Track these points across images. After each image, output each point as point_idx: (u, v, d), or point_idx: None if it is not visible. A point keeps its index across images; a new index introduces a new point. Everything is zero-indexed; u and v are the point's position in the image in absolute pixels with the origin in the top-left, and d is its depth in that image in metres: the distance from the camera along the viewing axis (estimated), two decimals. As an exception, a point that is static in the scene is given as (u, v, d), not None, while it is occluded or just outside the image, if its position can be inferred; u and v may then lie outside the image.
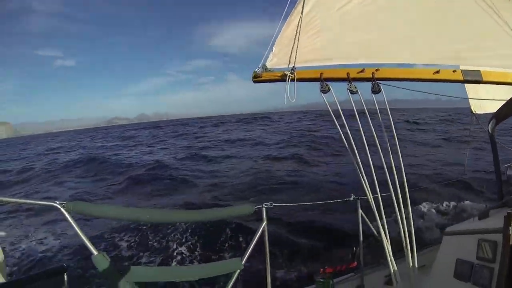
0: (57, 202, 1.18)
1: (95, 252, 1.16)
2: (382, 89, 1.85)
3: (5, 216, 7.03)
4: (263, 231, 1.49)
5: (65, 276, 1.21)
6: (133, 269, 1.25)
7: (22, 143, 55.86)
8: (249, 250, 1.45)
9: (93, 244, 1.19)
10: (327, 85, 1.76)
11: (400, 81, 1.98)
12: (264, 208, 1.49)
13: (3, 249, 1.44)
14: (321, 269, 1.95)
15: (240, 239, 4.78)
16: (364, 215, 2.02)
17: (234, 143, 19.36)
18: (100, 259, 1.15)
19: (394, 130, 1.86)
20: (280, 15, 1.81)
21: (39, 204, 1.28)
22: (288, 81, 1.68)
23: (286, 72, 1.70)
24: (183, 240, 4.93)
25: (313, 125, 28.41)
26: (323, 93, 1.76)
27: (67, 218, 1.18)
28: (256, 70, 1.71)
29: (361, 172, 1.81)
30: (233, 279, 1.42)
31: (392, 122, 1.90)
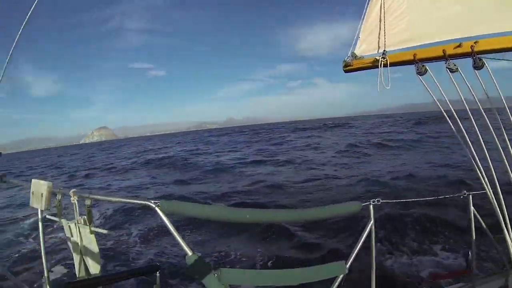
0: (152, 201, 1.19)
1: (189, 252, 1.15)
2: (486, 64, 1.59)
3: (101, 211, 7.76)
4: (370, 231, 1.34)
5: (158, 274, 1.22)
6: (227, 271, 1.21)
7: (117, 146, 63.73)
8: (355, 253, 1.32)
9: (187, 244, 1.17)
10: (423, 66, 1.58)
11: (503, 51, 1.69)
12: (371, 205, 1.34)
13: (98, 244, 1.55)
14: (429, 276, 1.71)
15: (342, 238, 4.43)
16: (476, 213, 1.73)
17: (299, 149, 19.19)
18: (195, 260, 1.13)
19: (509, 112, 1.58)
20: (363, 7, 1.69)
21: (134, 203, 1.33)
22: (380, 66, 1.54)
23: (378, 57, 1.56)
24: (280, 241, 4.75)
25: (390, 132, 26.20)
26: (420, 75, 1.58)
27: (161, 217, 1.18)
28: (345, 59, 1.61)
29: (476, 164, 1.54)
30: (336, 285, 1.29)
31: (505, 103, 1.61)
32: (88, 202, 1.51)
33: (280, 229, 4.97)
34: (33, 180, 1.71)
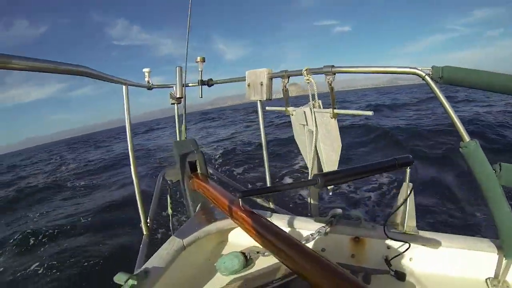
0: (420, 68, 0.96)
1: (467, 137, 0.92)
2: None
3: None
4: None
5: (408, 170, 1.02)
6: (509, 168, 0.90)
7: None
8: None
9: (465, 128, 0.93)
10: None
11: None
12: None
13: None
14: None
15: None
16: None
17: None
18: (472, 147, 0.91)
19: None
20: None
21: (397, 72, 1.04)
22: None
23: None
24: None
25: None
26: None
27: (433, 89, 0.93)
28: None
29: None
30: None
31: None
32: (329, 78, 1.22)
33: None
34: (247, 71, 1.51)
